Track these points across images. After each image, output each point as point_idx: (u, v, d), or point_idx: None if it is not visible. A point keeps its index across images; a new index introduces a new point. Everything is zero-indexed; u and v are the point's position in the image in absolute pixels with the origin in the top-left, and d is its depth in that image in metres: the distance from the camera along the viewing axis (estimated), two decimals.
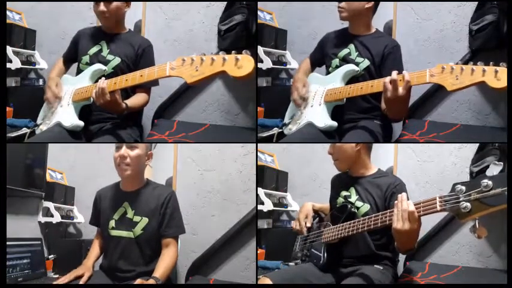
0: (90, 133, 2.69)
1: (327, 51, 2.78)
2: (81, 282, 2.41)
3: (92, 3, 2.71)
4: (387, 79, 2.31)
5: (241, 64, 2.08)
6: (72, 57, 2.86)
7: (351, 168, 2.51)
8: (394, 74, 2.30)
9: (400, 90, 2.27)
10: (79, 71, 2.76)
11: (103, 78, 2.48)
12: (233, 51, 2.12)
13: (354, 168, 2.50)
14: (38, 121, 2.74)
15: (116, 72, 2.66)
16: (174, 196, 2.53)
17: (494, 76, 1.98)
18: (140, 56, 2.74)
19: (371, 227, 2.12)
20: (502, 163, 2.73)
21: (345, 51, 2.70)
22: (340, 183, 2.58)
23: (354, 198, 2.45)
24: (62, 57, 2.91)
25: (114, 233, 2.49)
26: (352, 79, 2.63)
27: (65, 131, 2.57)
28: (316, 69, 2.88)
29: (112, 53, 2.73)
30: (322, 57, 2.83)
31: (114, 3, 2.67)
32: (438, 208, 1.79)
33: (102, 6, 2.65)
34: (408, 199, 2.31)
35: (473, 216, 1.68)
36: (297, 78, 2.82)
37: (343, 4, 2.62)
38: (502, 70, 1.98)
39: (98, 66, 2.68)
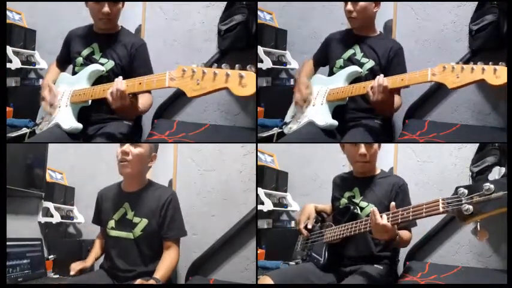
0: (88, 135, 2.64)
1: (331, 51, 2.79)
2: (72, 272, 2.48)
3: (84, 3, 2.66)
4: (368, 87, 2.40)
5: (245, 82, 2.01)
6: (66, 60, 2.81)
7: (361, 169, 2.51)
8: (375, 81, 2.38)
9: (379, 95, 2.36)
10: (74, 73, 2.70)
11: (120, 78, 2.37)
12: (237, 66, 2.04)
13: (366, 169, 2.51)
14: (37, 120, 2.73)
15: (109, 75, 2.59)
16: (175, 198, 2.53)
17: (493, 74, 2.06)
18: (134, 56, 2.66)
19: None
20: (504, 168, 2.73)
21: (349, 52, 2.71)
22: (344, 183, 2.59)
23: (358, 198, 2.46)
24: (56, 61, 2.87)
25: (113, 233, 2.50)
26: (356, 80, 2.63)
27: (64, 132, 2.54)
28: (320, 71, 2.89)
29: (105, 55, 2.66)
30: (325, 58, 2.84)
31: (118, 5, 2.62)
32: (441, 210, 1.81)
33: (106, 8, 2.56)
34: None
35: (475, 218, 1.70)
36: (300, 81, 2.82)
37: (355, 14, 2.62)
38: (501, 68, 2.05)
39: (96, 66, 2.61)
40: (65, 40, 2.84)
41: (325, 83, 2.69)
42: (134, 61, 2.66)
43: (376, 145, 2.46)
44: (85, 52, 2.70)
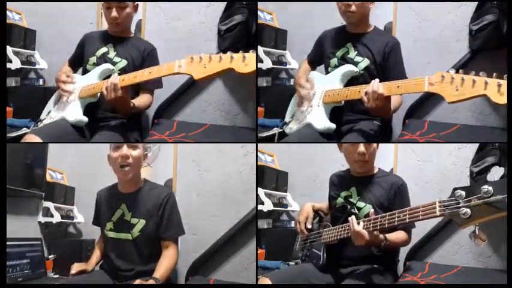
0: (93, 129, 2.69)
1: (325, 50, 2.76)
2: (72, 271, 2.48)
3: (95, 3, 2.70)
4: (363, 92, 2.35)
5: (248, 61, 2.23)
6: (79, 61, 2.85)
7: (359, 168, 2.49)
8: (369, 87, 2.33)
9: (374, 101, 2.31)
10: (85, 72, 2.76)
11: (116, 73, 2.52)
12: (240, 51, 2.24)
13: (365, 168, 2.49)
14: (42, 116, 2.75)
15: (121, 74, 2.60)
16: (172, 197, 2.52)
17: (497, 91, 1.90)
18: (145, 59, 2.74)
19: (370, 229, 2.12)
20: (503, 168, 2.73)
21: (343, 51, 2.68)
22: (340, 182, 2.57)
23: (355, 198, 2.45)
24: (68, 61, 2.90)
25: (111, 234, 2.49)
26: (352, 79, 2.61)
27: (69, 125, 2.59)
28: (317, 69, 2.88)
29: (119, 55, 2.74)
30: (320, 56, 2.81)
31: (126, 10, 2.69)
32: (438, 213, 1.79)
33: (114, 13, 2.66)
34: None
35: (473, 222, 1.67)
36: (298, 76, 2.82)
37: (353, 8, 2.57)
38: (506, 83, 1.89)
39: (107, 65, 2.69)
40: (79, 42, 2.89)
41: (321, 82, 2.67)
42: (145, 63, 2.72)
43: (375, 144, 2.45)
44: (100, 51, 2.77)
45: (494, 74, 1.92)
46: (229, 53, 2.24)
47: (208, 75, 2.29)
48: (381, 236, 2.17)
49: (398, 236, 2.32)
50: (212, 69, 2.27)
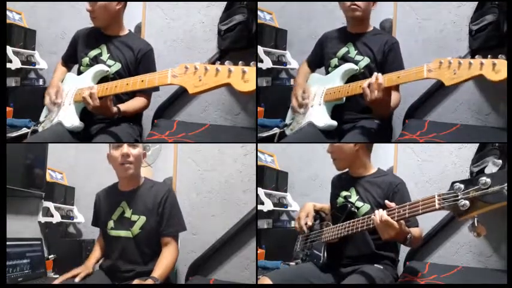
0: (90, 134, 2.66)
1: (326, 51, 2.77)
2: (77, 279, 2.41)
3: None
4: (365, 84, 2.36)
5: (248, 77, 2.01)
6: (72, 59, 2.82)
7: (351, 168, 2.51)
8: (372, 77, 2.34)
9: (376, 93, 2.32)
10: (79, 73, 2.71)
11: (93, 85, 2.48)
12: (240, 62, 2.05)
13: (353, 168, 2.50)
14: (41, 118, 2.73)
15: (115, 78, 2.60)
16: (171, 194, 2.52)
17: (492, 69, 1.97)
18: (140, 61, 2.68)
19: (370, 227, 2.12)
20: (500, 161, 2.73)
21: (343, 50, 2.69)
22: (341, 183, 2.58)
23: (354, 198, 2.45)
24: (62, 59, 2.88)
25: (113, 233, 2.49)
26: (352, 78, 2.62)
27: (66, 130, 2.55)
28: (316, 70, 2.88)
29: (112, 57, 2.68)
30: (320, 58, 2.82)
31: (99, 3, 2.61)
32: (437, 206, 1.80)
33: (87, 6, 2.62)
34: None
35: (472, 214, 1.68)
36: (297, 84, 2.82)
37: (360, 3, 2.58)
38: (500, 62, 1.96)
39: (101, 66, 2.63)
40: (72, 39, 2.84)
41: (322, 82, 2.68)
42: (140, 66, 2.68)
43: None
44: (93, 53, 2.71)
45: (489, 56, 2.00)
46: (227, 64, 2.05)
47: (203, 90, 2.10)
48: (407, 228, 2.16)
49: (417, 231, 2.31)
50: (207, 83, 2.07)
